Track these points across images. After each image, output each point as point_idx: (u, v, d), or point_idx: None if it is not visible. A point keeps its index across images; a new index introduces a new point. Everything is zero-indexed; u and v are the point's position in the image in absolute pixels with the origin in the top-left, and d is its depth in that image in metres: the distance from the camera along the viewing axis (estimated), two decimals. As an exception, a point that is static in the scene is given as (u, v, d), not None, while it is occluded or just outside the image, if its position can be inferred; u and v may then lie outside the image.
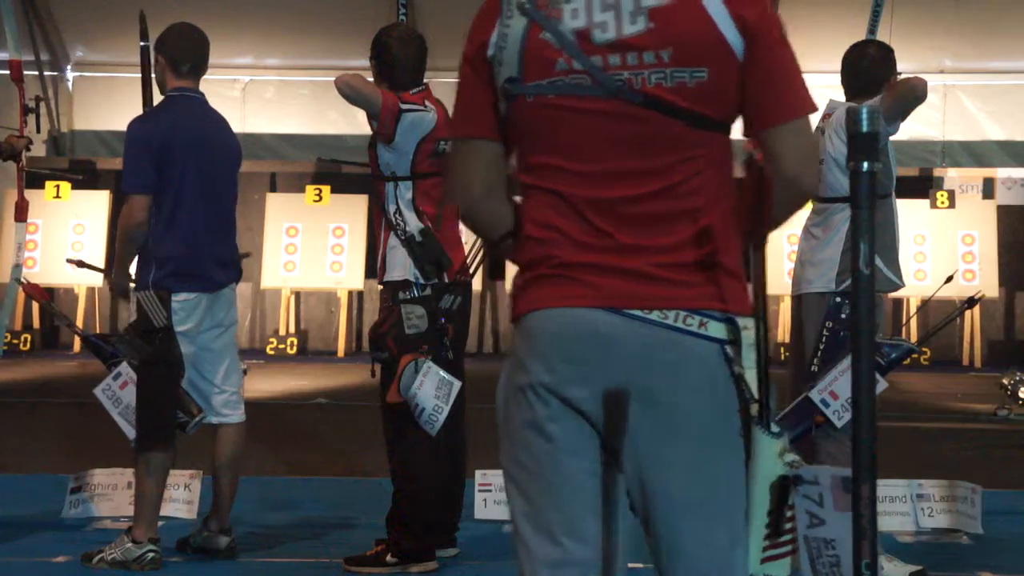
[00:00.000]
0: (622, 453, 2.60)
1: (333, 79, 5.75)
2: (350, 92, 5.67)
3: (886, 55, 5.83)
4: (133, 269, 5.93)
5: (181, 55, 5.86)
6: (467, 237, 6.10)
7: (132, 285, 5.90)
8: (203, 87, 5.99)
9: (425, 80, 5.92)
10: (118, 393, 5.72)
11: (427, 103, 5.80)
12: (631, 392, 2.57)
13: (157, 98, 6.10)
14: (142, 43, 6.31)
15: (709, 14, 2.57)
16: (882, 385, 5.64)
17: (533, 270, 2.66)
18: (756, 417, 2.58)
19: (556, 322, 2.61)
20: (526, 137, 2.67)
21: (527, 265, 2.67)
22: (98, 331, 12.94)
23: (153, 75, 5.98)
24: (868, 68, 5.74)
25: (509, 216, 2.72)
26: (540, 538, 2.65)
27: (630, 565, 2.71)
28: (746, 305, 2.61)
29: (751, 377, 2.59)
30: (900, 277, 5.71)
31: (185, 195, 5.76)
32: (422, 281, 5.71)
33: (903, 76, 5.77)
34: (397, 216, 5.74)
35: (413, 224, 5.73)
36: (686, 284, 2.58)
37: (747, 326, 2.60)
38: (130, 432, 5.73)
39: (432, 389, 5.61)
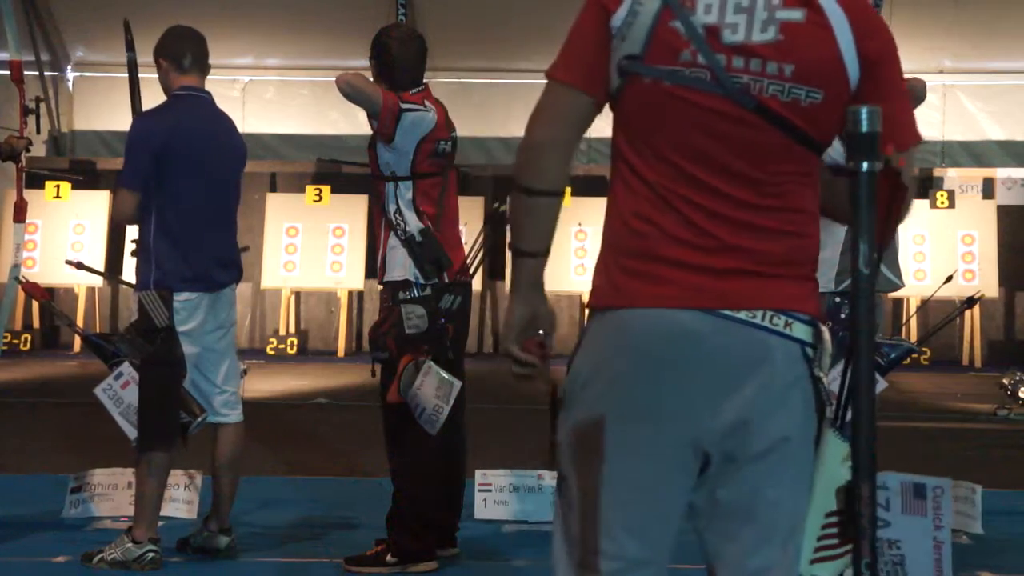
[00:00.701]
0: (703, 450, 2.62)
1: (333, 79, 5.75)
2: (350, 91, 5.67)
3: None
4: (132, 271, 5.94)
5: (181, 51, 5.86)
6: (467, 238, 6.10)
7: (132, 285, 5.91)
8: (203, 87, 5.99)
9: (424, 80, 5.92)
10: (119, 393, 5.72)
11: (427, 103, 5.80)
12: (717, 390, 2.60)
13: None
14: (128, 53, 6.28)
15: (837, 40, 2.61)
16: (882, 385, 5.64)
17: (626, 261, 2.65)
18: (830, 419, 2.63)
19: (645, 321, 2.62)
20: (634, 119, 2.67)
21: (620, 253, 2.66)
22: (98, 331, 12.94)
23: (158, 81, 5.98)
24: None
25: (564, 178, 2.71)
26: (592, 529, 2.65)
27: (674, 566, 2.72)
28: (823, 314, 2.68)
29: (825, 384, 2.66)
30: (900, 277, 5.71)
31: (187, 194, 5.76)
32: (422, 281, 5.71)
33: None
34: (397, 216, 5.74)
35: (413, 224, 5.73)
36: (774, 287, 2.62)
37: (826, 331, 2.66)
38: (131, 432, 5.72)
39: (432, 389, 5.61)
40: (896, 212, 2.53)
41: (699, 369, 2.60)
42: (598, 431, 2.64)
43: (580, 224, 13.97)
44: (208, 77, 6.00)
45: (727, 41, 2.60)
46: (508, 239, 2.79)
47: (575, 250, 14.13)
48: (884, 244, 2.57)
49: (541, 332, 2.74)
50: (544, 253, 2.74)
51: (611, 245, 2.69)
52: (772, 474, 2.62)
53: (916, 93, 5.52)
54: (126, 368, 5.73)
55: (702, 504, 2.67)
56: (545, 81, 2.74)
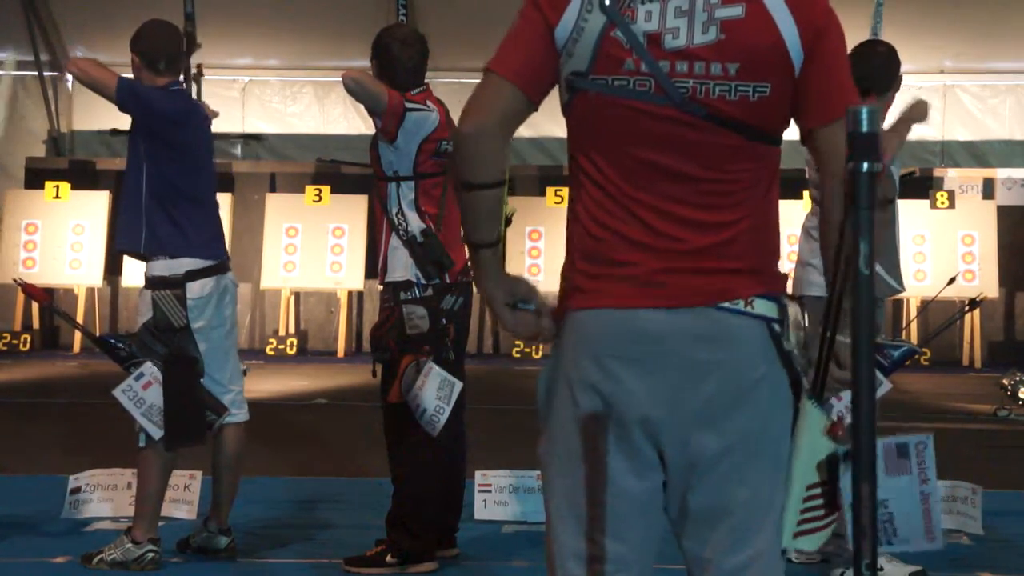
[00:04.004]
0: (666, 445, 2.63)
1: (333, 79, 5.77)
2: (356, 87, 5.66)
3: (892, 55, 5.83)
4: (139, 275, 5.92)
5: (156, 52, 5.82)
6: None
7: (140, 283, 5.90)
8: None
9: (425, 80, 5.92)
10: (141, 394, 5.66)
11: (428, 103, 5.80)
12: (679, 386, 2.60)
13: None
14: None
15: (779, 30, 2.60)
16: (886, 387, 5.66)
17: (586, 265, 2.67)
18: (808, 390, 2.62)
19: (606, 320, 2.63)
20: (586, 128, 2.68)
21: (581, 257, 2.68)
22: (98, 331, 12.94)
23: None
24: (877, 68, 5.75)
25: (500, 167, 2.70)
26: (573, 532, 2.68)
27: (667, 566, 2.73)
28: (786, 290, 2.68)
29: (798, 356, 2.65)
30: (900, 282, 5.73)
31: (192, 178, 5.78)
32: (423, 282, 5.71)
33: (904, 78, 5.76)
34: (399, 216, 5.74)
35: (415, 224, 5.73)
36: (735, 281, 2.62)
37: (792, 305, 2.66)
38: (155, 432, 5.65)
39: (434, 390, 5.61)
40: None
41: (662, 366, 2.60)
42: (570, 434, 2.66)
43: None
44: (208, 77, 6.02)
45: (669, 47, 2.60)
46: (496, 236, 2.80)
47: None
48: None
49: (527, 303, 2.74)
50: (498, 241, 2.76)
51: (572, 251, 2.71)
52: (740, 472, 2.62)
53: (919, 112, 5.54)
54: (148, 368, 5.67)
55: (675, 513, 2.68)
56: None
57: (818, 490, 2.57)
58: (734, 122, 2.60)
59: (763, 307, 2.62)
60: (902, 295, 13.05)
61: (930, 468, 2.59)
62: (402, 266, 5.72)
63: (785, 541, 2.62)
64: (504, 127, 2.69)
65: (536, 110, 2.72)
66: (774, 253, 2.70)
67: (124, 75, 5.83)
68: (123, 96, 5.73)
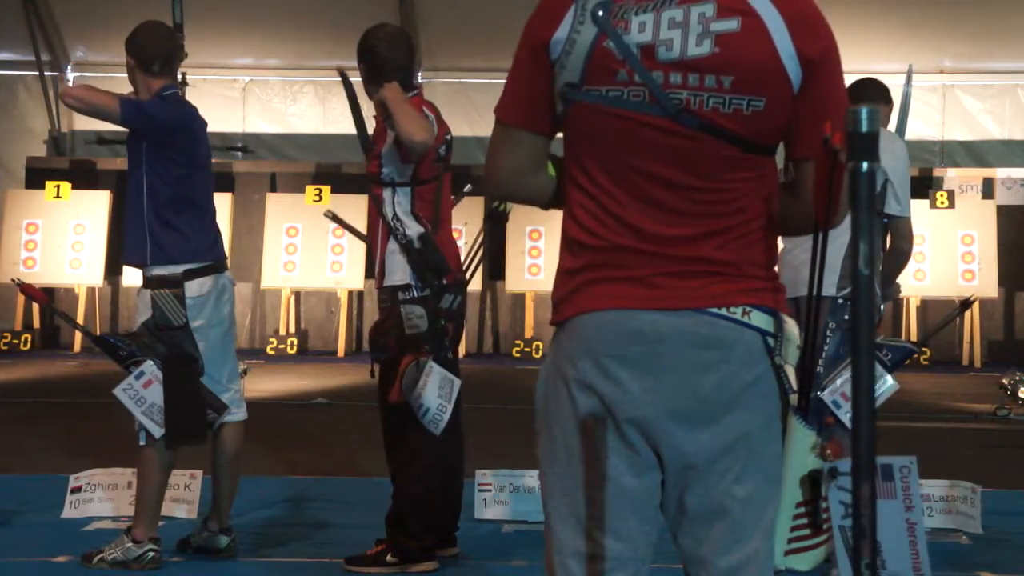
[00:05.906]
0: (663, 446, 2.64)
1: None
2: (422, 147, 5.59)
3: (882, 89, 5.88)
4: (138, 275, 5.91)
5: (151, 54, 5.81)
6: (467, 238, 6.09)
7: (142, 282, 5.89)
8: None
9: (421, 81, 5.88)
10: (141, 392, 5.67)
11: (426, 110, 5.77)
12: (676, 387, 2.61)
13: None
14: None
15: (775, 46, 2.59)
16: (895, 386, 5.67)
17: (579, 276, 2.68)
18: (795, 408, 2.63)
19: (602, 322, 2.64)
20: (580, 139, 2.68)
21: (574, 271, 2.69)
22: (98, 331, 12.94)
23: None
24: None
25: (549, 187, 2.77)
26: (571, 530, 2.69)
27: (668, 565, 2.74)
28: (785, 306, 2.69)
29: (791, 372, 2.66)
30: (886, 291, 5.81)
31: (193, 184, 5.79)
32: (422, 285, 5.71)
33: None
34: (395, 221, 5.73)
35: (412, 228, 5.72)
36: (731, 285, 2.63)
37: (789, 321, 2.67)
38: (156, 431, 5.67)
39: (435, 389, 5.62)
40: (837, 190, 2.52)
41: (659, 367, 2.61)
42: (569, 434, 2.67)
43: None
44: (208, 77, 6.02)
45: (662, 58, 2.59)
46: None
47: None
48: (832, 224, 2.60)
49: None
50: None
51: (566, 259, 2.72)
52: (737, 472, 2.63)
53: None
54: (148, 367, 5.67)
55: (672, 512, 2.69)
56: None
57: (804, 508, 2.59)
58: (729, 134, 2.60)
59: (760, 319, 2.63)
60: (902, 293, 13.09)
61: (915, 495, 2.57)
62: (401, 269, 5.72)
63: (777, 560, 2.63)
64: (521, 173, 2.75)
65: (554, 137, 2.74)
66: (771, 257, 2.70)
67: (120, 93, 5.83)
68: (126, 116, 5.74)
